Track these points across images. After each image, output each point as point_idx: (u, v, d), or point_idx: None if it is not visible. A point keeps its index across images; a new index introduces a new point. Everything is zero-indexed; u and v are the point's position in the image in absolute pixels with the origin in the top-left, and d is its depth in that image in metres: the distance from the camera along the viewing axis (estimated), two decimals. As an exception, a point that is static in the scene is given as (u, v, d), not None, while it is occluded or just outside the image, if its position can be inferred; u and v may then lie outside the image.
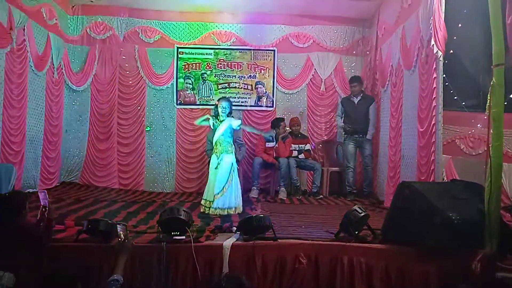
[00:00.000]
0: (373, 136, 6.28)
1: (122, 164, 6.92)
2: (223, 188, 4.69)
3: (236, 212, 4.70)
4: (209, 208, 4.68)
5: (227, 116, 4.94)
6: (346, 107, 6.40)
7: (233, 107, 5.15)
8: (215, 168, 4.79)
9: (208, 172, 5.04)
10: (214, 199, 4.66)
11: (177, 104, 7.02)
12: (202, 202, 4.82)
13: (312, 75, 7.09)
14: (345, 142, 6.42)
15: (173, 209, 3.35)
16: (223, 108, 4.91)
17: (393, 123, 5.57)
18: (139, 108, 6.96)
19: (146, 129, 6.96)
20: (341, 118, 6.45)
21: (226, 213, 4.66)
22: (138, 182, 6.88)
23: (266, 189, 6.63)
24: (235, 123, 4.91)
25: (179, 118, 7.01)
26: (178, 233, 3.27)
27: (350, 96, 6.40)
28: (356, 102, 6.31)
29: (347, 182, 6.29)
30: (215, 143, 4.91)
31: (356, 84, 6.32)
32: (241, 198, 4.89)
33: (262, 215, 3.56)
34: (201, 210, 4.77)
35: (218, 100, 5.11)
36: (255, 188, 6.20)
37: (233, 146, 4.99)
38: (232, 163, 4.85)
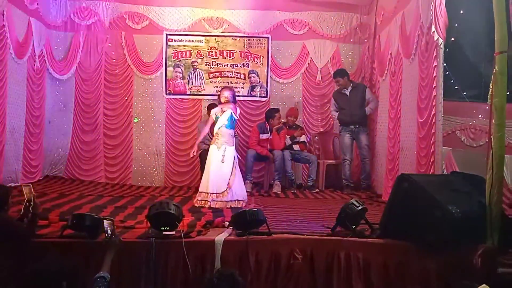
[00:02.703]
0: (371, 113, 6.30)
1: (108, 157, 6.88)
2: (229, 182, 4.79)
3: (244, 205, 4.81)
4: (211, 201, 4.73)
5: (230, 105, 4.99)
6: (338, 101, 6.41)
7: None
8: (221, 162, 4.84)
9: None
10: (224, 195, 4.75)
11: (166, 94, 6.98)
12: (200, 196, 4.84)
13: (308, 63, 7.05)
14: (341, 134, 6.44)
15: (162, 203, 3.34)
16: (226, 97, 4.99)
17: (391, 114, 5.58)
18: (126, 98, 6.90)
19: (134, 121, 6.91)
20: (336, 112, 6.46)
21: (237, 205, 4.76)
22: (126, 176, 6.85)
23: (260, 183, 6.62)
24: (234, 113, 4.97)
25: (168, 108, 6.96)
26: (168, 228, 3.26)
27: (341, 89, 6.40)
28: (348, 94, 6.32)
29: (344, 175, 6.32)
30: (216, 133, 4.96)
31: (339, 78, 6.32)
32: (245, 190, 5.01)
33: (255, 209, 3.56)
34: (196, 205, 4.80)
35: (221, 89, 5.16)
36: (248, 181, 6.18)
37: (236, 138, 5.08)
38: (234, 157, 4.95)
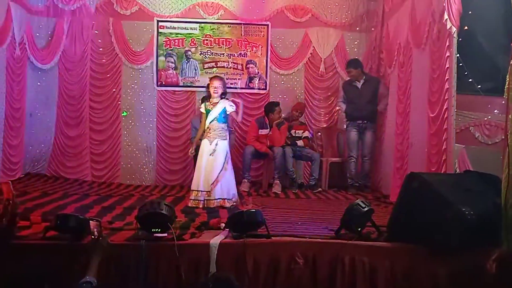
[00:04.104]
0: (383, 111, 6.34)
1: (95, 153, 6.89)
2: (218, 176, 4.81)
3: (235, 205, 4.86)
4: (203, 200, 4.76)
5: (221, 97, 4.99)
6: (348, 93, 6.44)
7: (221, 90, 5.17)
8: (210, 155, 4.86)
9: (194, 162, 5.11)
10: (211, 189, 4.78)
11: (157, 86, 6.97)
12: (193, 195, 4.87)
13: (311, 53, 7.05)
14: (347, 129, 6.47)
15: (153, 203, 3.35)
16: (215, 88, 4.94)
17: (400, 108, 5.59)
18: (114, 90, 6.91)
19: (123, 114, 6.92)
20: (344, 104, 6.50)
21: (227, 204, 4.81)
22: (114, 174, 6.86)
23: (259, 182, 6.65)
24: (230, 108, 4.98)
25: (160, 101, 6.96)
26: (159, 230, 3.28)
27: (352, 81, 6.42)
28: (359, 87, 6.35)
29: (349, 173, 6.35)
30: (207, 127, 4.97)
31: (351, 69, 6.35)
32: (236, 190, 5.03)
33: (253, 210, 3.58)
34: (190, 205, 4.83)
35: (210, 79, 5.15)
36: (246, 180, 6.21)
37: (228, 132, 5.09)
38: (227, 152, 4.96)
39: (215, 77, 5.26)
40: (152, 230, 3.28)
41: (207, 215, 4.37)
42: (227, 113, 5.01)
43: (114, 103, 6.92)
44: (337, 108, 6.85)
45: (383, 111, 6.38)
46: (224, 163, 4.90)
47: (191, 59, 6.99)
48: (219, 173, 4.84)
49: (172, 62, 6.99)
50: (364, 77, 6.38)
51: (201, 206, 4.77)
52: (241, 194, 5.65)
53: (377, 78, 6.52)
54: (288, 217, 4.36)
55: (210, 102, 5.02)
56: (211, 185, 4.81)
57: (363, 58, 6.95)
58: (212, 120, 4.96)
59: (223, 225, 3.68)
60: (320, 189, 6.31)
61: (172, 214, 3.37)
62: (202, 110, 5.09)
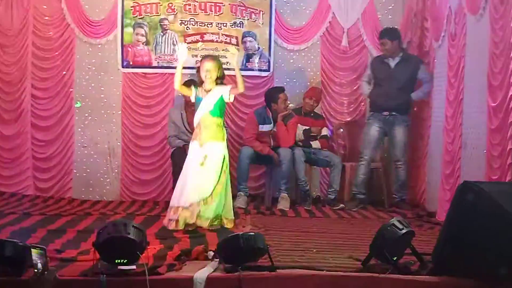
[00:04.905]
0: (421, 99, 6.42)
1: (39, 158, 6.89)
2: (213, 192, 4.86)
3: (229, 226, 4.96)
4: (186, 223, 4.81)
5: (216, 83, 5.03)
6: (376, 72, 6.46)
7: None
8: (201, 165, 4.91)
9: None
10: (201, 209, 4.82)
11: (123, 67, 6.97)
12: (171, 214, 4.89)
13: (329, 22, 7.05)
14: (368, 122, 6.53)
15: (117, 225, 3.36)
16: (208, 71, 5.00)
17: (450, 95, 5.58)
18: (64, 72, 6.89)
19: (76, 105, 6.92)
20: (369, 86, 6.54)
21: (218, 225, 4.89)
22: (64, 186, 6.87)
23: (259, 196, 6.65)
24: (226, 95, 5.01)
25: (126, 87, 6.96)
26: (125, 261, 3.28)
27: (385, 57, 6.44)
28: (392, 66, 6.37)
29: (355, 180, 6.43)
30: (197, 124, 5.01)
31: (386, 40, 6.36)
32: (232, 208, 5.09)
33: (252, 234, 3.57)
34: (168, 226, 4.86)
35: (201, 60, 5.19)
36: (242, 193, 6.21)
37: (226, 130, 5.14)
38: (225, 156, 5.00)
39: (208, 57, 5.29)
40: (116, 261, 3.28)
41: (190, 240, 4.37)
42: (227, 100, 5.05)
43: (65, 91, 6.90)
44: (360, 91, 6.87)
45: (421, 99, 6.40)
46: (220, 174, 4.94)
47: (168, 31, 6.97)
48: (213, 189, 4.89)
49: (142, 35, 6.96)
50: (401, 54, 6.39)
51: (181, 228, 4.78)
52: (236, 212, 5.62)
53: (418, 58, 6.53)
54: (299, 242, 4.36)
55: (202, 88, 5.05)
56: (201, 202, 4.85)
57: (400, 28, 6.90)
58: (204, 114, 4.98)
59: (212, 253, 3.67)
60: (342, 205, 6.31)
61: (142, 239, 3.36)
62: (192, 98, 5.11)
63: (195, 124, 5.09)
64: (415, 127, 6.62)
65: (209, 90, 5.02)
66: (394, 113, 6.33)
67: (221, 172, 4.95)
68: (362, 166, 6.39)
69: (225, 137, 5.14)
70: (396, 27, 6.69)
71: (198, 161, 4.93)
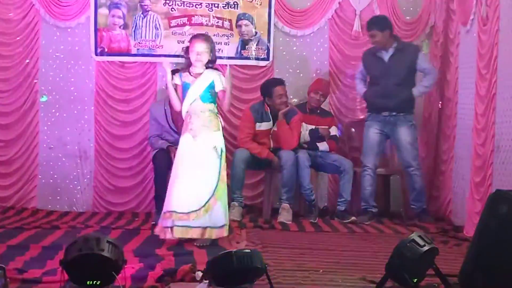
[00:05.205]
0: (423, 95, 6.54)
1: (-3, 161, 6.89)
2: (214, 192, 4.95)
3: (223, 235, 5.05)
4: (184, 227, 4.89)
5: (207, 67, 5.13)
6: (369, 68, 6.55)
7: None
8: (198, 164, 4.98)
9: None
10: (196, 215, 4.89)
11: (96, 54, 6.97)
12: (166, 220, 4.95)
13: (339, 3, 7.08)
14: (366, 124, 6.57)
15: (89, 241, 3.37)
16: (199, 54, 5.05)
17: (481, 89, 5.56)
18: (27, 60, 6.88)
19: (42, 100, 6.93)
20: (364, 83, 6.62)
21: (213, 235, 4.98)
22: (27, 194, 6.86)
23: (257, 206, 6.71)
24: (219, 83, 5.09)
25: (100, 79, 6.96)
26: (98, 282, 3.30)
27: (376, 50, 6.49)
28: (386, 59, 6.42)
29: (362, 193, 6.46)
30: (186, 113, 5.11)
31: (376, 32, 6.38)
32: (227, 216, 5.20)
33: (248, 251, 3.62)
34: (166, 236, 4.96)
35: (191, 40, 5.26)
36: (236, 204, 6.23)
37: (220, 117, 5.24)
38: (222, 149, 5.11)
39: (199, 36, 5.30)
40: (88, 282, 3.30)
41: (174, 258, 4.38)
42: (220, 87, 5.10)
43: (28, 82, 6.89)
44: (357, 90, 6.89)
45: (424, 93, 6.50)
46: (219, 169, 5.02)
47: (149, 13, 6.98)
48: (216, 187, 4.96)
49: (119, 17, 6.96)
50: (394, 45, 6.40)
51: (178, 236, 4.89)
52: (229, 225, 5.59)
53: (414, 45, 6.62)
54: (303, 261, 4.42)
55: (190, 72, 5.11)
56: (199, 210, 4.90)
57: (421, 11, 6.98)
58: (194, 101, 5.04)
59: (200, 274, 3.69)
60: (353, 217, 6.32)
61: (119, 257, 3.38)
62: (177, 81, 5.16)
63: (183, 115, 5.11)
64: (438, 127, 6.67)
65: (199, 74, 5.08)
66: (394, 113, 6.36)
67: (220, 167, 5.02)
68: (368, 177, 6.41)
69: (221, 126, 5.18)
70: (385, 16, 6.71)
71: (193, 156, 4.99)
